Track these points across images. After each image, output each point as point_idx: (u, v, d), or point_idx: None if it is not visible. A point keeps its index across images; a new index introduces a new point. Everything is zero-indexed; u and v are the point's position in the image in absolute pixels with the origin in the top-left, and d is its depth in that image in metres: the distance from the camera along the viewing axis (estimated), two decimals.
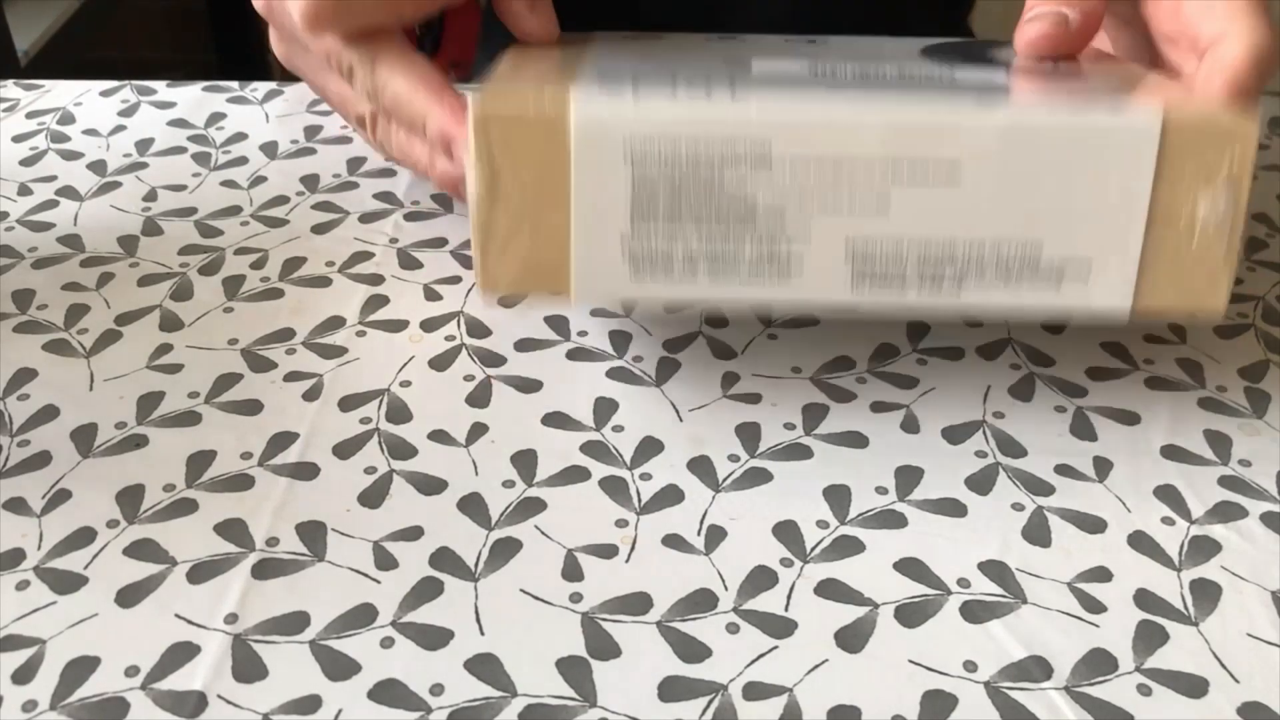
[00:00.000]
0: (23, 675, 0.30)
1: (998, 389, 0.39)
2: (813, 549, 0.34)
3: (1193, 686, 0.30)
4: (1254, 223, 0.48)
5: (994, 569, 0.33)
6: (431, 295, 0.43)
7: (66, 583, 0.32)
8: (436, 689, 0.30)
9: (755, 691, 0.30)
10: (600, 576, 0.33)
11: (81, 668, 0.30)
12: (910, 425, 0.38)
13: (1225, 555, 0.34)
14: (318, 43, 0.40)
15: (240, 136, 0.53)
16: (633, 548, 0.34)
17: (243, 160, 0.51)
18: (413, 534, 0.34)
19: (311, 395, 0.38)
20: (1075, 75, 0.38)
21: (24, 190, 0.49)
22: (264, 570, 0.33)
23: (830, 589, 0.32)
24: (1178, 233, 0.33)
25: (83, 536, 0.33)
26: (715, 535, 0.34)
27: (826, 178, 0.33)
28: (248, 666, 0.30)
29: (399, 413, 0.38)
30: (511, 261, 0.34)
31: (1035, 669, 0.30)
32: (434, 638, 0.31)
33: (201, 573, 0.32)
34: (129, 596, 0.32)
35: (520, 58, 0.40)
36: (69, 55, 1.37)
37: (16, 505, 0.34)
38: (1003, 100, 0.34)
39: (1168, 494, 0.36)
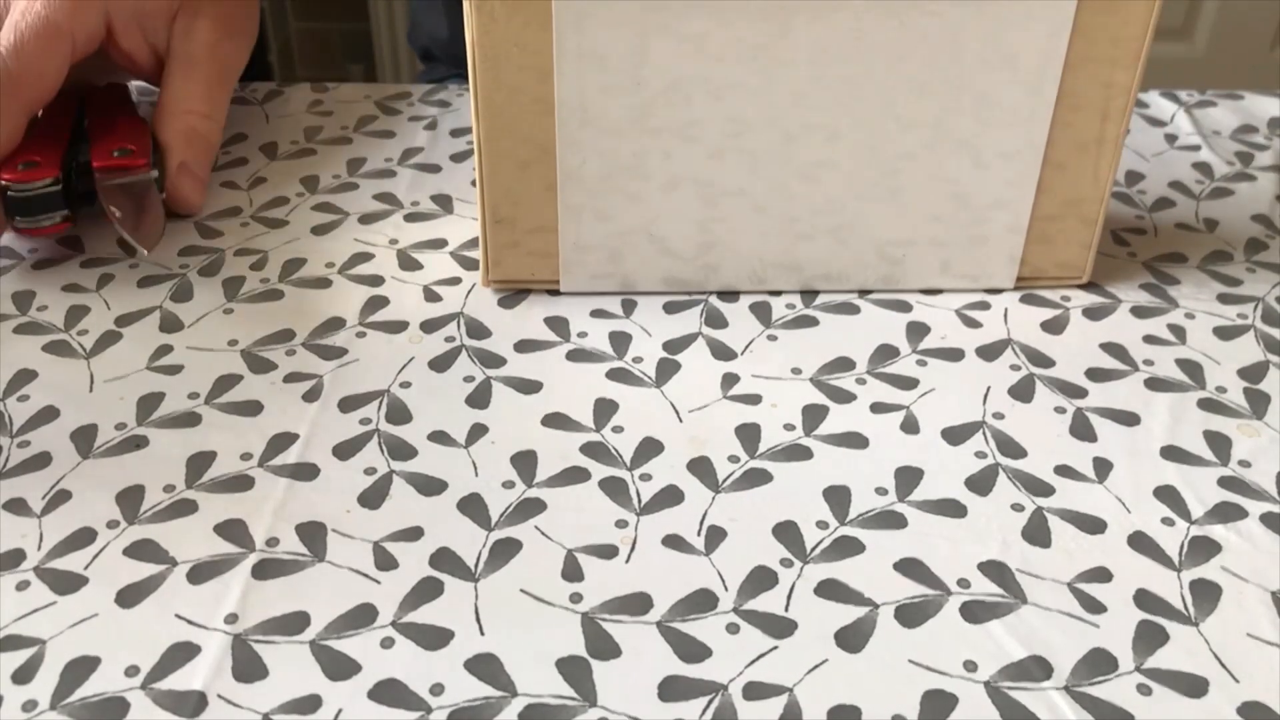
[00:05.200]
0: (23, 675, 0.30)
1: (998, 389, 0.39)
2: (813, 549, 0.34)
3: (1193, 686, 0.30)
4: (1254, 223, 0.48)
5: (994, 569, 0.33)
6: (431, 296, 0.43)
7: (66, 583, 0.32)
8: (436, 689, 0.30)
9: (755, 691, 0.30)
10: (600, 576, 0.33)
11: (81, 668, 0.30)
12: (910, 425, 0.38)
13: (1225, 555, 0.34)
14: None
15: (240, 136, 0.53)
16: (633, 548, 0.34)
17: (243, 160, 0.51)
18: (413, 534, 0.34)
19: (311, 396, 0.38)
20: None
21: None
22: (264, 570, 0.33)
23: (830, 589, 0.32)
24: None
25: (83, 537, 0.33)
26: (715, 535, 0.34)
27: None
28: (248, 666, 0.30)
29: (399, 413, 0.38)
30: None
31: (1035, 669, 0.30)
32: (434, 638, 0.31)
33: (201, 573, 0.32)
34: (129, 596, 0.32)
35: None
36: None
37: (16, 506, 0.34)
38: None
39: (1168, 494, 0.36)
